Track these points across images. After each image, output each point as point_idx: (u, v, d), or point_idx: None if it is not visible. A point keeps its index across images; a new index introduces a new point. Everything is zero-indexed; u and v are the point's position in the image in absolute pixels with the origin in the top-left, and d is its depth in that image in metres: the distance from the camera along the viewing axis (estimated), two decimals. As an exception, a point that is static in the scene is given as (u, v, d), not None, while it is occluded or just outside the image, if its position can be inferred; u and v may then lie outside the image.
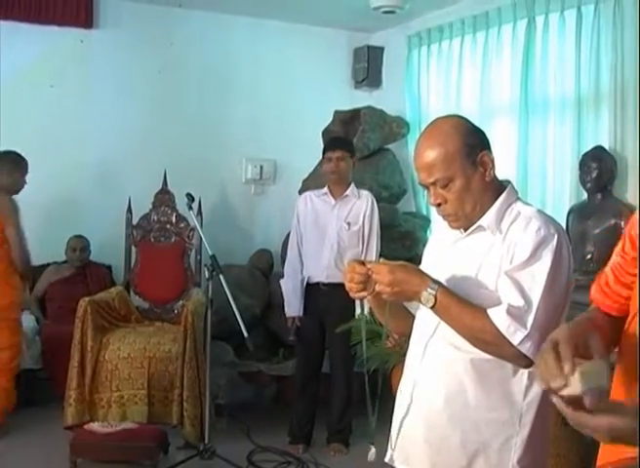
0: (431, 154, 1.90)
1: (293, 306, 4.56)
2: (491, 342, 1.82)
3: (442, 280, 1.91)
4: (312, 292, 4.54)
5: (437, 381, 1.96)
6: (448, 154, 1.88)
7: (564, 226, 4.39)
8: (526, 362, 1.82)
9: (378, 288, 1.86)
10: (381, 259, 1.98)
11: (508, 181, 2.03)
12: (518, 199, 1.99)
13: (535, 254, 1.84)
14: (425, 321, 2.02)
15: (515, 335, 1.79)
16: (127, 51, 5.91)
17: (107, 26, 5.89)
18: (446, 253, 2.04)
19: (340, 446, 4.58)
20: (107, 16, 5.89)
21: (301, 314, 4.54)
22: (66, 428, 4.41)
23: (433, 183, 1.92)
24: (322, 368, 4.67)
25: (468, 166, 1.90)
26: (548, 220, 1.91)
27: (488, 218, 1.93)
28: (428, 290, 1.84)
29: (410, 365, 2.07)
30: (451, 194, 1.91)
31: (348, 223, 4.49)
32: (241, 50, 6.26)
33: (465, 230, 1.98)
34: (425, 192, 2.06)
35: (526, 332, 1.79)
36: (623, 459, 1.34)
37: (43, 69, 5.68)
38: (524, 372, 1.88)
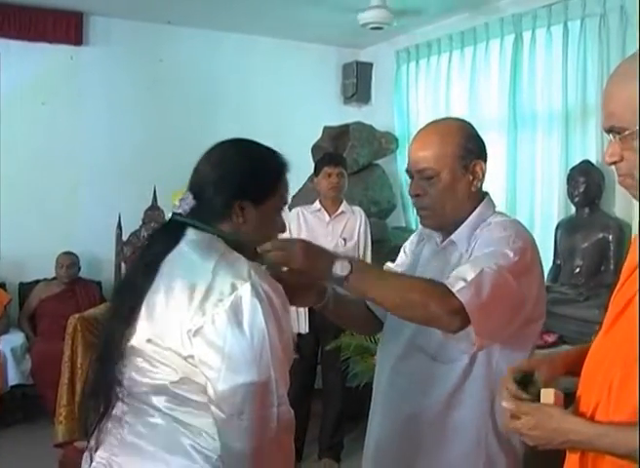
0: (428, 143, 1.87)
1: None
2: (419, 301, 1.64)
3: None
4: (309, 308, 4.46)
5: (399, 410, 1.88)
6: (443, 148, 1.84)
7: (552, 240, 4.43)
8: (460, 318, 1.63)
9: (292, 262, 1.70)
10: None
11: (486, 193, 1.94)
12: (495, 212, 1.92)
13: (496, 250, 1.73)
14: (390, 340, 1.96)
15: (455, 284, 1.65)
16: (116, 67, 5.93)
17: (97, 43, 5.92)
18: (420, 264, 1.98)
19: (331, 461, 4.53)
20: (97, 32, 5.92)
21: (306, 331, 4.39)
22: (56, 446, 4.38)
23: (419, 172, 1.86)
24: (315, 384, 4.64)
25: (459, 168, 1.85)
26: (520, 229, 1.84)
27: (460, 233, 1.86)
28: (340, 261, 1.69)
29: (375, 386, 2.01)
30: (433, 189, 1.85)
31: (344, 239, 4.45)
32: (230, 66, 6.29)
33: (442, 241, 1.92)
34: (412, 208, 1.98)
35: (464, 285, 1.64)
36: None
37: (35, 87, 5.69)
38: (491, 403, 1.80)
